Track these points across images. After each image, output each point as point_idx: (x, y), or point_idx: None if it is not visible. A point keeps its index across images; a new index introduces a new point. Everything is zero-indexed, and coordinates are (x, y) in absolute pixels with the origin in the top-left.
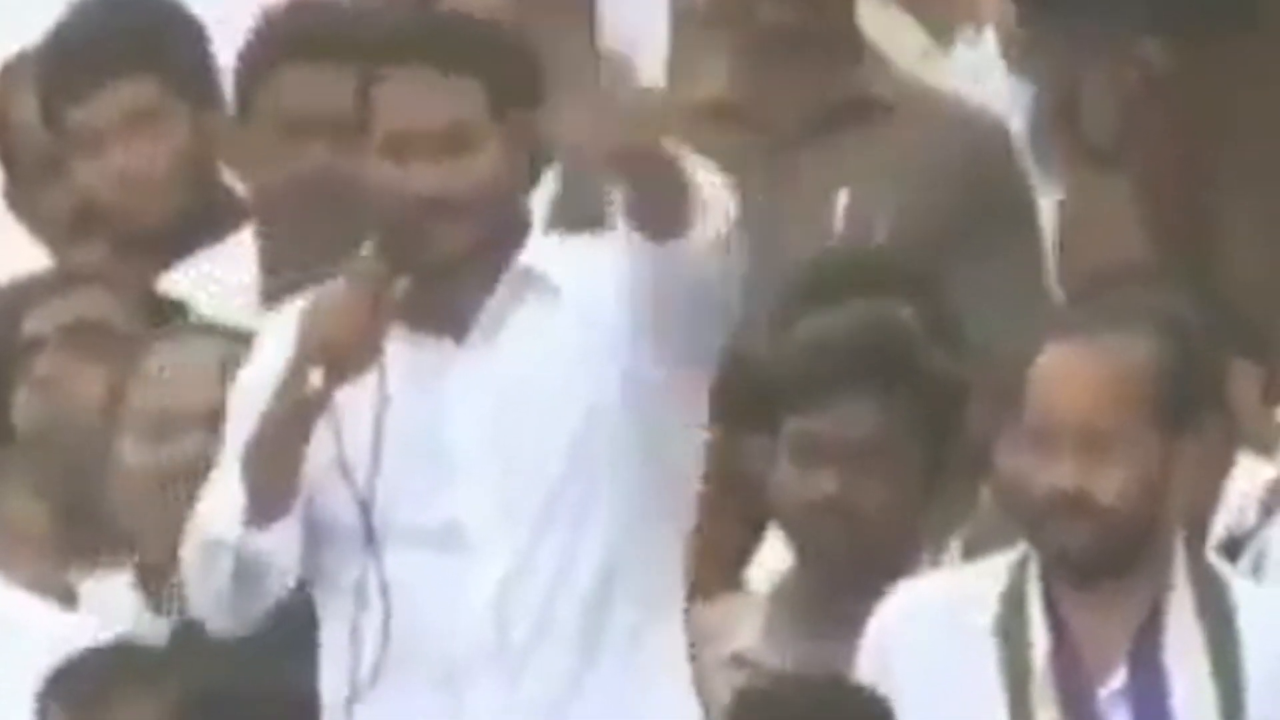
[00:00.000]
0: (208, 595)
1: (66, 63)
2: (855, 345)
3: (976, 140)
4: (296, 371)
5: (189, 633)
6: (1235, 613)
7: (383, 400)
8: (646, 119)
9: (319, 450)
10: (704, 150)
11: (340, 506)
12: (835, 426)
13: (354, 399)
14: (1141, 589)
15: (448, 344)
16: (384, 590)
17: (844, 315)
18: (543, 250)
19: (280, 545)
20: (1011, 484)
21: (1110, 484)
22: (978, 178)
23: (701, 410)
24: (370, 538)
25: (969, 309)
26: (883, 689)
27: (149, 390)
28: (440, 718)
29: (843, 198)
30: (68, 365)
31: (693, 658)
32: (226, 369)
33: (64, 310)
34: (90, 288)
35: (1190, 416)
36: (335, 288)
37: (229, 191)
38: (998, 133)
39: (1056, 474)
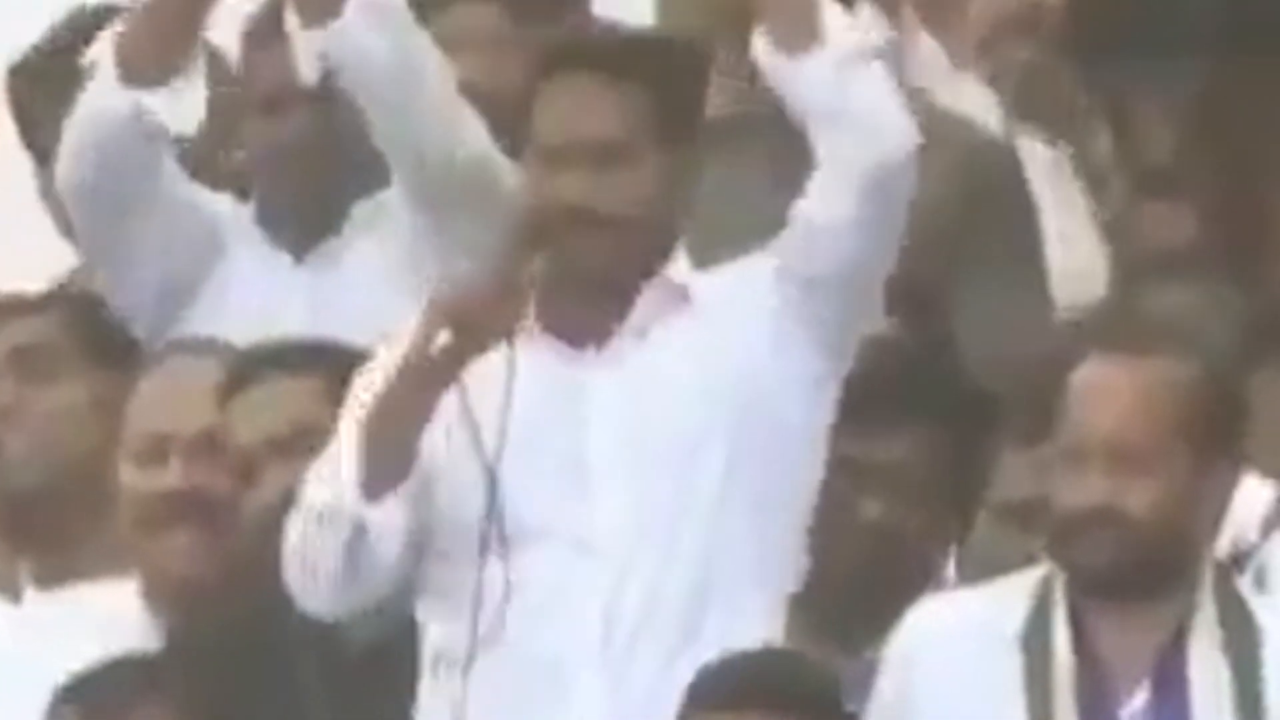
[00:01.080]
0: (316, 569)
1: (45, 69)
2: (899, 371)
3: (978, 154)
4: (426, 335)
5: (189, 640)
6: (1259, 635)
7: (507, 403)
8: None
9: (449, 443)
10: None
11: (464, 503)
12: (878, 451)
13: (483, 399)
14: (1167, 607)
15: (589, 354)
16: (506, 590)
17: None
18: (685, 265)
19: (390, 521)
20: (1031, 501)
21: (1141, 498)
22: (980, 192)
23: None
24: (500, 535)
25: (971, 324)
26: (905, 701)
27: (142, 412)
28: (548, 713)
29: None
30: (13, 393)
31: None
32: (221, 390)
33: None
34: (25, 317)
35: (1220, 434)
36: (472, 268)
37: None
38: (1000, 147)
39: (1087, 488)
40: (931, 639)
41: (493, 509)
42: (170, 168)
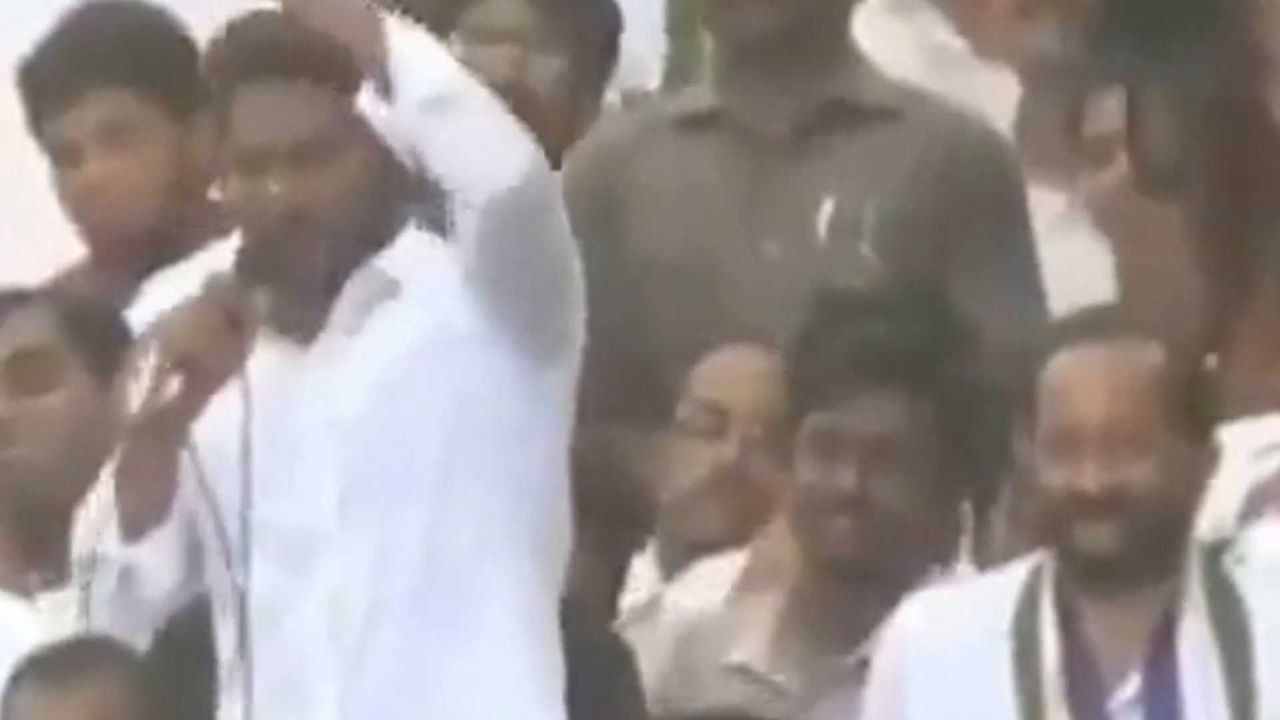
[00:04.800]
0: (94, 607)
1: (45, 73)
2: (883, 345)
3: (967, 145)
4: (156, 381)
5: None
6: (1249, 618)
7: (247, 412)
8: None
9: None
10: (691, 155)
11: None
12: (856, 422)
13: (220, 410)
14: (1156, 596)
15: (299, 346)
16: (241, 598)
17: (873, 318)
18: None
19: (157, 559)
20: (1026, 490)
21: (1139, 479)
22: (968, 183)
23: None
24: (229, 545)
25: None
26: (898, 696)
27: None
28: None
29: (828, 204)
30: (11, 402)
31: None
32: None
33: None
34: (26, 310)
35: (1196, 415)
36: (193, 300)
37: (214, 205)
38: (990, 138)
39: (1084, 475)
40: (922, 632)
41: (244, 512)
42: None
